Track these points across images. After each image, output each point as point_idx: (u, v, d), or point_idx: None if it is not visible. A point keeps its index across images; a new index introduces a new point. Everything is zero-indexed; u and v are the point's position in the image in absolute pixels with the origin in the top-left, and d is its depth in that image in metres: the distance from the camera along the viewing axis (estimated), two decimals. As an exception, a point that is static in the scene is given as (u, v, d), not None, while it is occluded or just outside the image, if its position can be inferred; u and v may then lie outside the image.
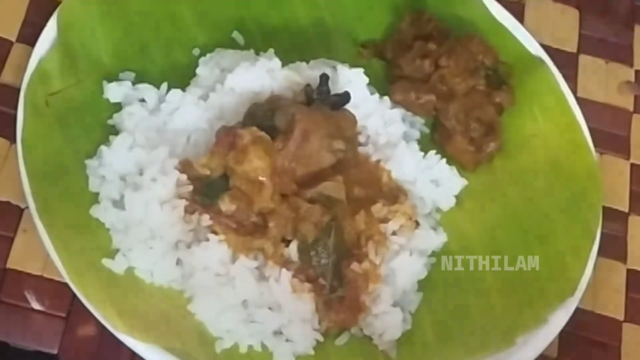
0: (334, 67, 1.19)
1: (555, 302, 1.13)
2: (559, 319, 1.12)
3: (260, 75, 1.16)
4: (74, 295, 1.05)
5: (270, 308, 1.06)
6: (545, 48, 1.29)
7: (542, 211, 1.19)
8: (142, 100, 1.15)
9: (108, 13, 1.20)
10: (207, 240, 1.07)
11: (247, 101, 1.14)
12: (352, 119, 1.13)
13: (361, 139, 1.16)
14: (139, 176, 1.09)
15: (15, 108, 1.12)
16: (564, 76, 1.27)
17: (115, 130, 1.14)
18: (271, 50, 1.20)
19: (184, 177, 1.08)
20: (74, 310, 1.06)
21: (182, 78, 1.18)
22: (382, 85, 1.22)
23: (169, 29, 1.22)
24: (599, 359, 1.16)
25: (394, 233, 1.11)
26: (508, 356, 1.09)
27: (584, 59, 1.34)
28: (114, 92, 1.15)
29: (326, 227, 1.08)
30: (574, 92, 1.29)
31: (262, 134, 1.08)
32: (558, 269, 1.15)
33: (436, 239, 1.14)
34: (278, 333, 1.07)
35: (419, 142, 1.19)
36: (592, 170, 1.22)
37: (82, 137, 1.13)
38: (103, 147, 1.11)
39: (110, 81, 1.16)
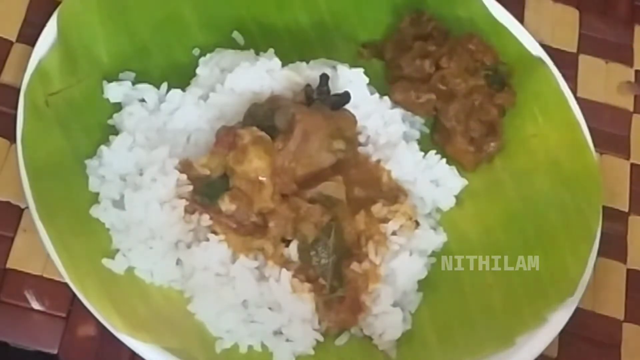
0: (334, 67, 1.19)
1: (555, 302, 1.13)
2: (559, 319, 1.12)
3: (260, 75, 1.16)
4: (74, 295, 1.05)
5: (270, 308, 1.06)
6: (545, 48, 1.29)
7: (542, 211, 1.19)
8: (142, 100, 1.15)
9: (108, 13, 1.19)
10: (207, 240, 1.07)
11: (247, 101, 1.14)
12: (352, 119, 1.13)
13: (361, 139, 1.16)
14: (139, 176, 1.08)
15: (15, 108, 1.12)
16: (564, 76, 1.27)
17: (115, 130, 1.14)
18: (271, 50, 1.20)
19: (184, 177, 1.08)
20: (74, 310, 1.06)
21: (182, 78, 1.18)
22: (382, 85, 1.22)
23: (169, 29, 1.22)
24: (599, 359, 1.16)
25: (394, 233, 1.11)
26: (508, 356, 1.09)
27: (584, 59, 1.34)
28: (114, 92, 1.15)
29: (326, 227, 1.08)
30: (574, 92, 1.29)
31: (262, 134, 1.08)
32: (558, 269, 1.15)
33: (436, 239, 1.14)
34: (278, 333, 1.07)
35: (419, 142, 1.19)
36: (592, 170, 1.22)
37: (82, 137, 1.13)
38: (103, 147, 1.11)
39: (110, 81, 1.16)
